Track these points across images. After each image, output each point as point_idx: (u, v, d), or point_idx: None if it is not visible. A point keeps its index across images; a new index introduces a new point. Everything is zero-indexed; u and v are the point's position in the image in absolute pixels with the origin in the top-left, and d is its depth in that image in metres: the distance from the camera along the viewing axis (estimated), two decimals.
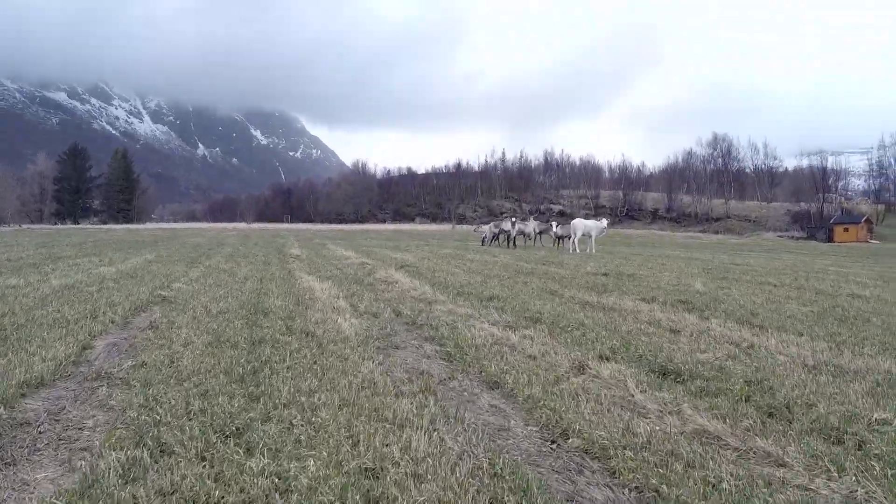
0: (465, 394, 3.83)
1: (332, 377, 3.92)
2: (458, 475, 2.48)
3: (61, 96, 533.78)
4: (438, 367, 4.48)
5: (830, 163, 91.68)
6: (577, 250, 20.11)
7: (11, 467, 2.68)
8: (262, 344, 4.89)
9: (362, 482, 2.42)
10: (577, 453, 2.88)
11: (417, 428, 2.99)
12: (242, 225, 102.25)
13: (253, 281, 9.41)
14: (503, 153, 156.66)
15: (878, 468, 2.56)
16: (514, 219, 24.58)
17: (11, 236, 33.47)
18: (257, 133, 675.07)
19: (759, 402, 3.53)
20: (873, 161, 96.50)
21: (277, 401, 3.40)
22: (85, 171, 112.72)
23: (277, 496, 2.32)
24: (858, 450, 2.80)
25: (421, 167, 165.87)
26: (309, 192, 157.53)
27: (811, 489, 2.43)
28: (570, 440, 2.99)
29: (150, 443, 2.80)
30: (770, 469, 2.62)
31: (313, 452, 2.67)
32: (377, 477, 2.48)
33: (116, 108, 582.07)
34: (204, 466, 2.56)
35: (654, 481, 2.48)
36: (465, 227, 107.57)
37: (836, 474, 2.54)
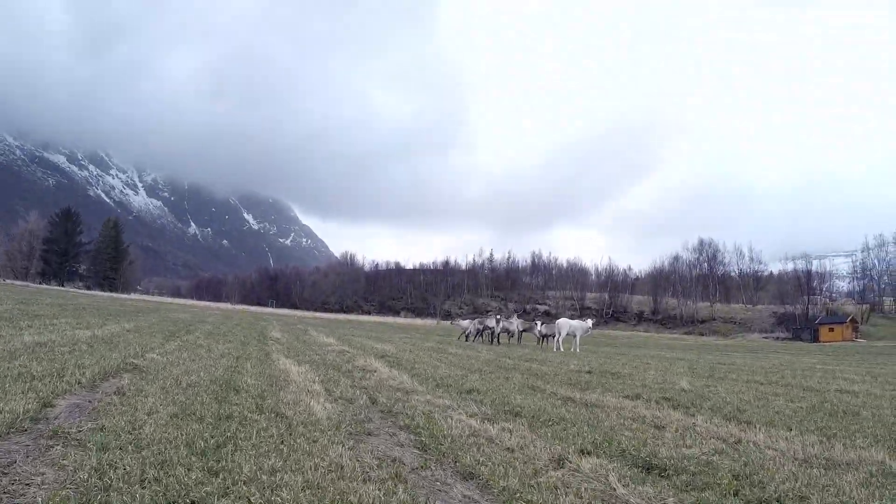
0: (438, 483, 3.62)
1: (297, 458, 3.73)
2: None
3: (61, 159, 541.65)
4: (411, 455, 4.28)
5: (815, 266, 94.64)
6: (562, 349, 19.97)
7: None
8: (229, 420, 4.69)
9: None
10: None
11: None
12: (227, 305, 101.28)
13: (229, 359, 9.17)
14: (491, 253, 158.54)
15: None
16: (498, 316, 24.53)
17: None
18: (249, 217, 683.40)
19: (748, 495, 3.40)
20: (857, 263, 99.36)
21: (237, 477, 3.21)
22: (75, 234, 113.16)
23: None
24: None
25: (409, 262, 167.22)
26: (295, 279, 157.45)
27: None
28: None
29: None
30: None
31: None
32: None
33: (113, 178, 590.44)
34: None
35: None
36: (448, 324, 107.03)
37: None
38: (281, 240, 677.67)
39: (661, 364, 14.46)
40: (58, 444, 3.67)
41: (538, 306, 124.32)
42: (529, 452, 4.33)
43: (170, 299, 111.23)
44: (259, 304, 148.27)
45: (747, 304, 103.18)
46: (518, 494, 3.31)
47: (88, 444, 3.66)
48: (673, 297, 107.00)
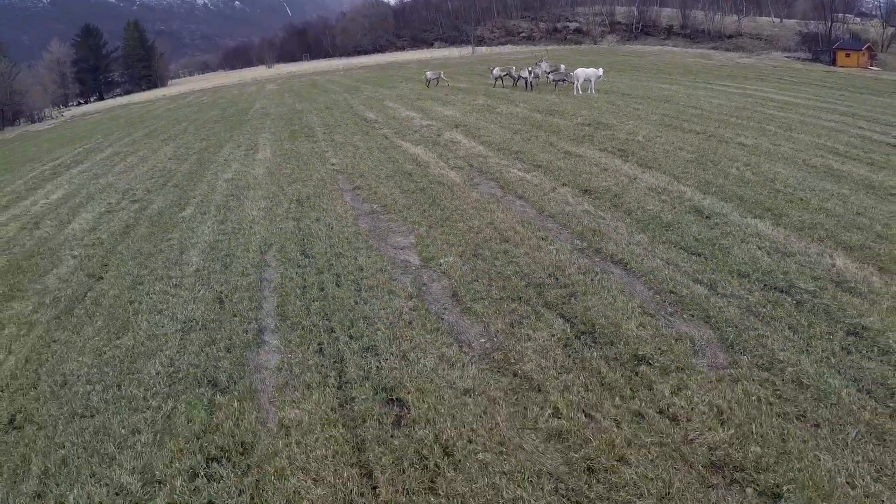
0: (509, 198, 10.39)
1: (455, 199, 10.56)
2: (499, 208, 9.16)
3: None
4: (498, 191, 11.01)
5: None
6: (580, 93, 25.72)
7: None
8: (424, 190, 11.50)
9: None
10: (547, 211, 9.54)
11: (499, 209, 9.67)
12: (269, 72, 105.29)
13: (375, 150, 15.87)
14: None
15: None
16: (529, 68, 29.97)
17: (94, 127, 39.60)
18: None
19: (617, 202, 10.05)
20: None
21: (440, 206, 10.10)
22: (100, 48, 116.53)
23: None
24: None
25: None
26: (324, 29, 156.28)
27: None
28: (546, 213, 9.64)
29: None
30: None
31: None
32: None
33: None
34: None
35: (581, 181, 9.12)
36: (483, 49, 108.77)
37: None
38: None
39: (647, 109, 20.05)
40: None
41: (568, 24, 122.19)
42: (542, 185, 11.00)
43: (210, 79, 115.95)
44: (293, 60, 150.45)
45: (775, 18, 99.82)
46: (534, 201, 10.07)
47: None
48: (701, 11, 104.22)
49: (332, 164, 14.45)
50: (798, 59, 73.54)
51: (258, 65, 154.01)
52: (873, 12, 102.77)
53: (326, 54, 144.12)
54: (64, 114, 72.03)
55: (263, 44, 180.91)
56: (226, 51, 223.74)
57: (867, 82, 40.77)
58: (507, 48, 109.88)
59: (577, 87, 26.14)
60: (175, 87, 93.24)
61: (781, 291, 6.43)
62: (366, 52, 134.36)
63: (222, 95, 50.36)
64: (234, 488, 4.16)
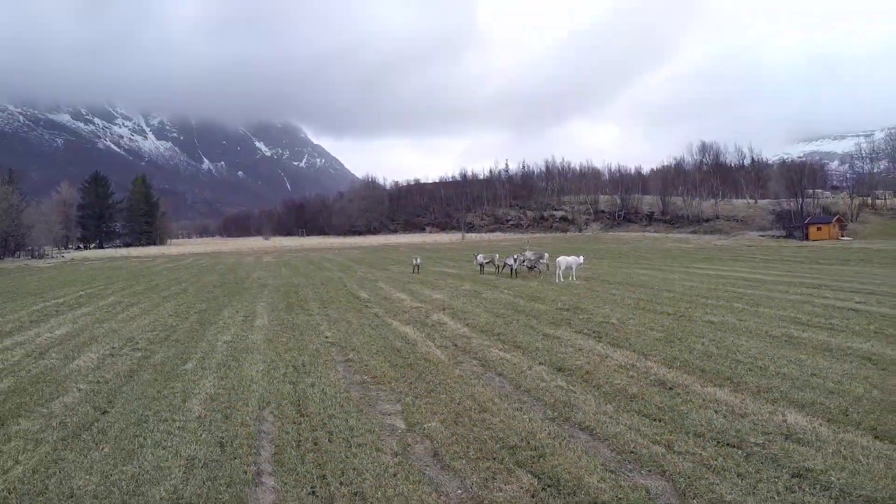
0: (488, 376, 11.40)
1: (441, 375, 11.52)
2: (484, 388, 10.09)
3: (65, 118, 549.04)
4: (478, 368, 11.94)
5: (828, 147, 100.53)
6: (562, 279, 27.78)
7: None
8: (413, 365, 12.50)
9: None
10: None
11: (479, 383, 10.62)
12: (266, 243, 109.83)
13: (368, 327, 17.07)
14: (506, 163, 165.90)
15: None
16: (515, 255, 32.45)
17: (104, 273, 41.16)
18: (261, 145, 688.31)
19: (597, 380, 11.12)
20: (859, 148, 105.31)
21: (426, 383, 11.03)
22: (107, 196, 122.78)
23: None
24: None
25: (428, 177, 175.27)
26: (321, 207, 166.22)
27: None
28: (522, 388, 10.60)
29: None
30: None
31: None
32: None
33: (120, 127, 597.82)
34: None
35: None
36: (473, 235, 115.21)
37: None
38: (295, 163, 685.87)
39: (621, 294, 22.06)
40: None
41: (555, 212, 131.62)
42: (520, 364, 11.95)
43: (209, 244, 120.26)
44: (289, 234, 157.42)
45: (749, 200, 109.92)
46: (512, 377, 11.07)
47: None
48: (679, 197, 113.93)
49: (327, 337, 15.47)
50: (772, 236, 78.43)
51: (255, 235, 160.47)
52: (843, 185, 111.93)
53: (322, 231, 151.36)
54: (64, 255, 73.87)
55: (262, 215, 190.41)
56: (226, 218, 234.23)
57: (836, 253, 43.71)
58: (497, 235, 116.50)
59: (558, 274, 28.19)
60: (174, 248, 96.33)
61: (733, 446, 7.30)
62: (360, 233, 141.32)
63: (221, 262, 52.53)
64: None
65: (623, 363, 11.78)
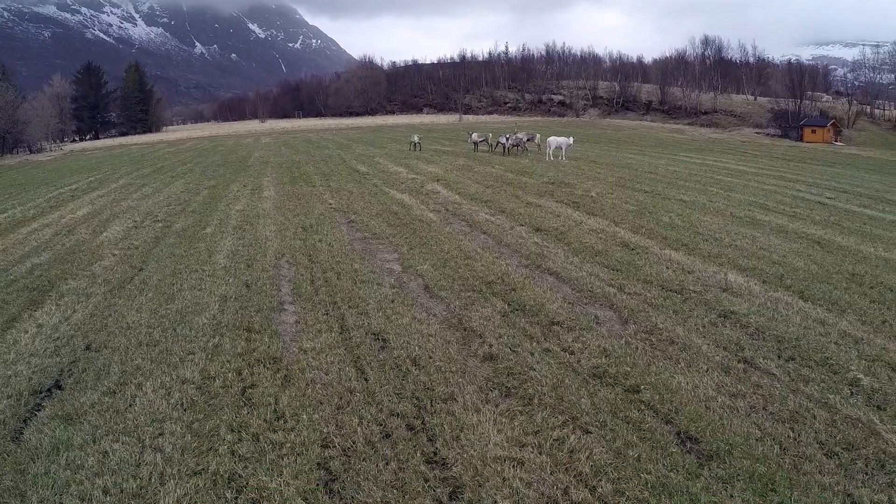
0: (475, 233, 12.79)
1: (433, 232, 12.94)
2: (471, 241, 11.53)
3: (51, 9, 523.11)
4: (466, 227, 13.36)
5: (824, 54, 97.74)
6: (552, 158, 28.77)
7: None
8: (406, 225, 13.90)
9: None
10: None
11: (466, 238, 12.05)
12: (263, 126, 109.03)
13: (369, 196, 18.36)
14: (506, 45, 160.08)
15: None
16: (507, 135, 33.23)
17: (107, 163, 41.94)
18: (255, 27, 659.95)
19: (569, 239, 12.52)
20: (866, 59, 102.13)
21: (419, 237, 12.45)
22: (101, 87, 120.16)
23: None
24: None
25: (427, 58, 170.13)
26: (318, 88, 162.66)
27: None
28: (503, 243, 12.05)
29: None
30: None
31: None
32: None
33: (108, 15, 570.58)
34: None
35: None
36: (470, 117, 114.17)
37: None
38: (290, 45, 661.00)
39: (606, 173, 23.16)
40: None
41: (553, 96, 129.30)
42: (503, 225, 13.39)
43: (206, 128, 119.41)
44: (286, 116, 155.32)
45: (749, 97, 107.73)
46: (498, 237, 12.47)
47: None
48: (679, 88, 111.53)
49: (330, 204, 16.81)
50: (768, 134, 78.58)
51: (251, 118, 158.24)
52: (848, 91, 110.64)
53: (319, 113, 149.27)
54: (63, 148, 74.27)
55: (258, 98, 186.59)
56: (220, 102, 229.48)
57: (826, 155, 44.61)
58: (493, 117, 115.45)
59: (548, 153, 29.16)
60: (171, 134, 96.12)
61: (674, 291, 8.77)
62: (357, 114, 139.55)
63: (220, 144, 53.06)
64: (270, 377, 6.26)
65: (595, 227, 13.15)
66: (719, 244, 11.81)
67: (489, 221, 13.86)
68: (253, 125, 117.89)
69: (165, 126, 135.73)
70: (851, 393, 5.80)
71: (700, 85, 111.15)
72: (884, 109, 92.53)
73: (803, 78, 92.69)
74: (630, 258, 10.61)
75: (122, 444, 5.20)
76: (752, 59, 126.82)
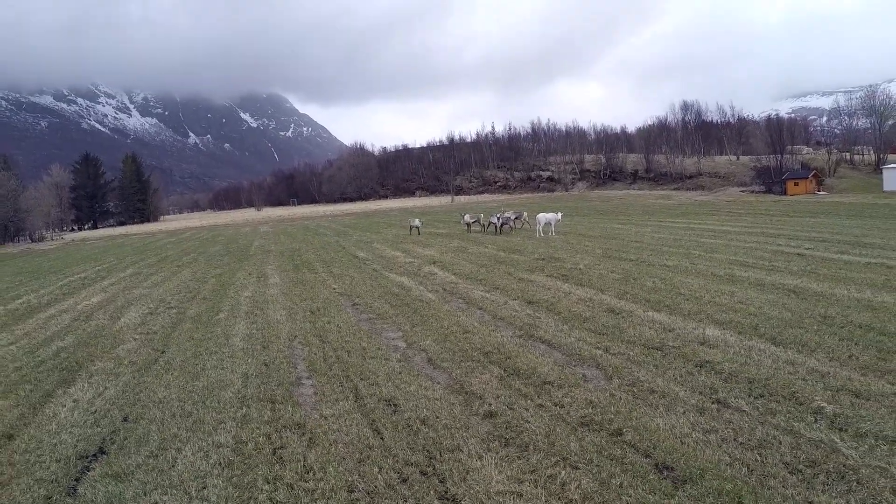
0: (471, 310, 13.79)
1: (433, 312, 13.93)
2: (472, 319, 12.50)
3: (47, 99, 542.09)
4: (464, 304, 14.42)
5: (803, 105, 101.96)
6: (542, 234, 30.18)
7: None
8: (410, 306, 14.91)
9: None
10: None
11: (463, 315, 13.03)
12: (259, 214, 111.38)
13: (371, 282, 19.44)
14: (493, 126, 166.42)
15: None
16: (497, 215, 34.80)
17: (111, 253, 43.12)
18: (247, 116, 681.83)
19: (559, 310, 13.54)
20: (840, 107, 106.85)
21: (424, 320, 13.44)
22: (99, 177, 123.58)
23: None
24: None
25: (416, 142, 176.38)
26: (311, 176, 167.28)
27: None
28: (498, 317, 13.04)
29: None
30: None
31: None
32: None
33: (104, 105, 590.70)
34: None
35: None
36: (462, 198, 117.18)
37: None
38: (282, 133, 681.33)
39: (592, 245, 24.45)
40: None
41: (542, 173, 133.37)
42: (497, 300, 14.38)
43: (204, 217, 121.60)
44: (280, 204, 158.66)
45: (732, 157, 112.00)
46: (490, 310, 13.47)
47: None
48: (663, 155, 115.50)
49: (334, 288, 17.84)
50: (752, 192, 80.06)
51: (247, 207, 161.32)
52: (828, 140, 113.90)
53: (313, 200, 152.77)
54: (63, 237, 75.66)
55: (252, 187, 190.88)
56: (216, 191, 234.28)
57: (808, 206, 45.86)
58: (485, 196, 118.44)
59: (538, 229, 30.58)
60: (169, 223, 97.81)
61: (655, 349, 9.71)
62: (351, 199, 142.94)
63: (220, 234, 54.56)
64: (296, 439, 7.09)
65: (583, 297, 14.19)
66: (699, 302, 12.83)
67: (484, 298, 14.87)
68: (250, 214, 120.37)
69: (163, 215, 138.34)
70: (815, 419, 6.71)
71: (683, 150, 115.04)
72: (862, 154, 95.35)
73: (782, 132, 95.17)
74: (615, 322, 11.59)
75: (171, 496, 6.00)
76: (732, 119, 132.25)
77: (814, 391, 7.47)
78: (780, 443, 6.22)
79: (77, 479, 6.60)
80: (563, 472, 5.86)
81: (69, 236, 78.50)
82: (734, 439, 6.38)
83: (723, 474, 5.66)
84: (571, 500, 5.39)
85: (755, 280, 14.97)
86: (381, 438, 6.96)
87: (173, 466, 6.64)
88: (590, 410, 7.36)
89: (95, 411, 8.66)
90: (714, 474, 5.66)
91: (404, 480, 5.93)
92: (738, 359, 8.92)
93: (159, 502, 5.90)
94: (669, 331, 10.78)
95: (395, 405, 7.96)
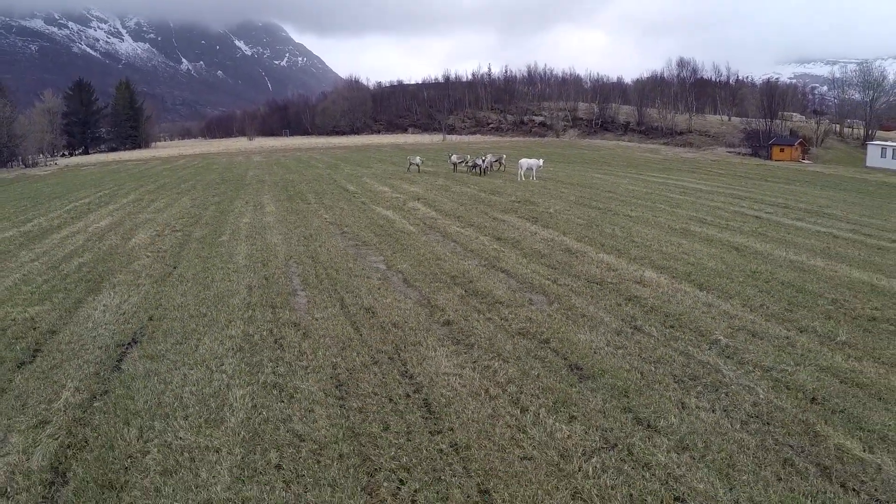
0: (446, 241, 15.60)
1: (412, 241, 15.70)
2: (436, 247, 14.31)
3: (38, 23, 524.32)
4: (441, 238, 16.15)
5: (805, 72, 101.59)
6: (523, 178, 31.77)
7: None
8: (389, 237, 16.67)
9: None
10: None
11: (438, 245, 14.83)
12: (251, 144, 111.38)
13: (359, 211, 21.12)
14: (489, 67, 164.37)
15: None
16: (482, 157, 36.26)
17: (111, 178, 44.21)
18: (241, 44, 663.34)
19: (524, 248, 15.35)
20: (835, 78, 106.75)
21: (402, 245, 15.23)
22: (91, 103, 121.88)
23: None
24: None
25: (412, 78, 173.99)
26: (305, 108, 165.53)
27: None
28: (468, 249, 14.84)
29: None
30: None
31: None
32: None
33: (95, 30, 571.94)
34: None
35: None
36: (454, 137, 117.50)
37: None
38: (276, 62, 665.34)
39: (570, 192, 26.14)
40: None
41: (534, 117, 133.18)
42: (470, 235, 16.15)
43: (198, 145, 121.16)
44: (273, 134, 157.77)
45: (723, 117, 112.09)
46: (462, 243, 15.26)
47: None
48: (655, 109, 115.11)
49: (325, 218, 19.53)
50: (738, 153, 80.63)
51: (239, 136, 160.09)
52: (826, 110, 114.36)
53: (306, 132, 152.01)
54: (57, 162, 76.18)
55: (245, 116, 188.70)
56: (208, 119, 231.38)
57: (788, 173, 46.96)
58: (477, 137, 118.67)
59: (520, 174, 32.16)
60: (161, 150, 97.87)
61: (595, 283, 11.57)
62: (344, 133, 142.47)
63: (214, 162, 55.58)
64: (293, 333, 8.94)
65: (546, 237, 15.98)
66: (647, 249, 14.60)
67: (459, 233, 16.65)
68: (242, 143, 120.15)
69: (154, 142, 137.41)
70: (710, 347, 8.48)
71: (676, 106, 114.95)
72: (852, 128, 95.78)
73: (775, 97, 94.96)
74: (568, 259, 13.43)
75: (196, 370, 7.85)
76: (728, 79, 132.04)
77: (716, 327, 9.19)
78: (674, 361, 8.01)
79: (119, 360, 8.42)
80: (496, 364, 7.76)
81: (62, 162, 78.89)
82: (638, 355, 8.20)
83: (619, 376, 7.50)
84: (498, 382, 7.29)
85: (706, 236, 16.51)
86: (360, 335, 8.83)
87: (196, 350, 8.48)
88: (527, 324, 9.23)
89: (124, 313, 10.43)
90: (612, 375, 7.51)
91: (376, 363, 7.83)
92: (662, 297, 10.72)
93: (188, 374, 7.73)
94: (613, 270, 12.57)
95: (373, 312, 9.82)
